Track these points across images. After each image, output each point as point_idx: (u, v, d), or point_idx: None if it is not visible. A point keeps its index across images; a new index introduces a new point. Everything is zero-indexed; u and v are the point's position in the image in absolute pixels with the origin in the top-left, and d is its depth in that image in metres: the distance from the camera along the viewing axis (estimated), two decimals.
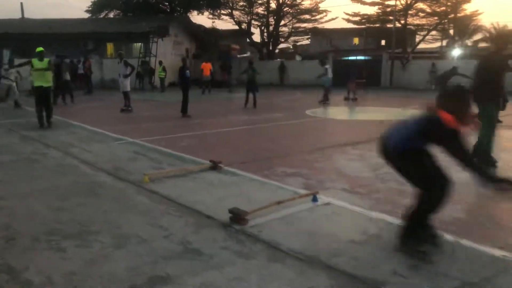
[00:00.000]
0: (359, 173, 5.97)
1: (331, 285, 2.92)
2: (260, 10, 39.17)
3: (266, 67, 32.02)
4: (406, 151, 3.29)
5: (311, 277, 3.02)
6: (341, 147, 7.91)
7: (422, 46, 38.75)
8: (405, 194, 5.00)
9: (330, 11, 64.64)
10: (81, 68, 22.80)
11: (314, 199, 4.62)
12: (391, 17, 33.91)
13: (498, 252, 3.40)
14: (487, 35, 41.89)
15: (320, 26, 39.60)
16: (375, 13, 37.19)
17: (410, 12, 34.88)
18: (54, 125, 10.32)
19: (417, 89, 26.11)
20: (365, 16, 38.02)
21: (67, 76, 16.78)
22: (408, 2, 34.10)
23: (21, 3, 36.91)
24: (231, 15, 38.15)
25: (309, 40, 45.33)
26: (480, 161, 6.00)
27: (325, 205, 4.54)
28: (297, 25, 39.99)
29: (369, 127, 11.02)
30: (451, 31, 36.52)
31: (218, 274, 3.06)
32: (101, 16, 36.01)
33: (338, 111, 15.55)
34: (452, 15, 34.17)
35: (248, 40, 41.02)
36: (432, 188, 3.28)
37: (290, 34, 41.01)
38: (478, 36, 43.00)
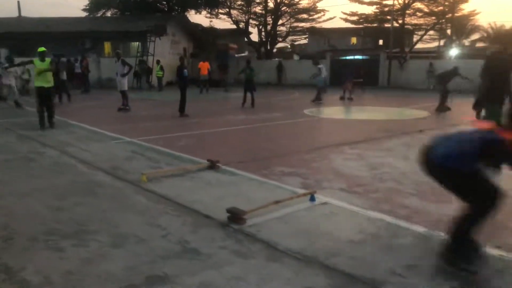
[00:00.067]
0: (357, 173, 5.97)
1: (329, 285, 2.92)
2: (258, 9, 39.17)
3: (264, 67, 32.05)
4: (457, 169, 3.01)
5: (309, 277, 3.02)
6: (339, 146, 7.92)
7: (419, 45, 38.80)
8: (403, 193, 5.03)
9: (328, 11, 64.55)
10: (78, 67, 22.74)
11: (312, 199, 4.62)
12: (388, 17, 33.92)
13: (496, 252, 3.41)
14: (485, 35, 42.06)
15: (318, 25, 39.60)
16: (373, 13, 37.18)
17: (407, 11, 34.90)
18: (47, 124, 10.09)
19: (414, 89, 26.19)
20: (363, 16, 38.01)
21: (64, 76, 16.72)
22: (406, 1, 34.11)
23: (18, 2, 36.83)
24: (229, 14, 38.11)
25: (307, 39, 45.34)
26: None
27: (323, 205, 4.55)
28: (295, 24, 39.99)
29: (367, 126, 11.04)
30: (449, 31, 36.56)
31: (216, 274, 3.05)
32: (99, 15, 35.92)
33: (336, 111, 15.56)
34: (450, 15, 34.18)
35: (246, 39, 41.00)
36: (485, 202, 3.04)
37: (288, 34, 41.01)
38: (475, 36, 43.22)
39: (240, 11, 38.80)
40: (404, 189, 5.20)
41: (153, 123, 11.45)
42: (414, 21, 36.44)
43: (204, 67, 22.99)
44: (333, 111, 15.48)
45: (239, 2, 38.17)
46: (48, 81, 9.79)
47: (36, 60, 9.75)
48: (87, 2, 35.75)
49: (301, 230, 3.87)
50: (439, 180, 3.22)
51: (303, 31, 41.30)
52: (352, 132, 10.15)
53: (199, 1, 35.53)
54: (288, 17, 39.24)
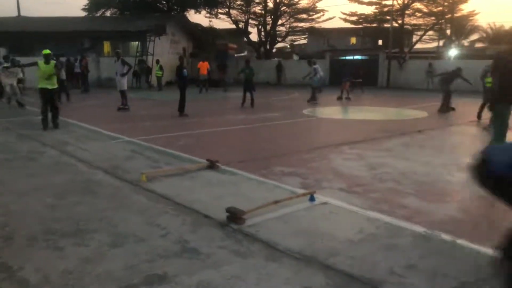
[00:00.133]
0: (357, 173, 5.98)
1: (328, 285, 2.92)
2: (258, 9, 39.11)
3: (264, 67, 32.03)
4: None
5: (308, 277, 3.03)
6: (339, 146, 7.92)
7: (419, 46, 38.77)
8: (402, 193, 5.03)
9: (327, 11, 64.55)
10: (78, 66, 22.71)
11: (312, 199, 4.62)
12: (388, 17, 33.90)
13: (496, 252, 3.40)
14: (484, 35, 42.11)
15: (317, 25, 39.55)
16: (372, 13, 37.14)
17: (407, 12, 34.87)
18: (51, 124, 10.07)
19: (414, 89, 26.20)
20: (362, 16, 37.97)
21: (63, 75, 16.69)
22: (405, 2, 34.10)
23: (17, 1, 36.75)
24: (228, 14, 38.06)
25: (306, 39, 45.31)
26: None
27: (322, 205, 4.55)
28: (295, 24, 39.95)
29: (366, 126, 11.05)
30: (448, 31, 36.60)
31: (215, 273, 3.05)
32: (98, 14, 35.85)
33: (335, 111, 15.56)
34: (449, 15, 34.21)
35: (245, 39, 40.98)
36: None
37: (287, 34, 40.97)
38: (474, 36, 43.28)
39: (240, 11, 38.77)
40: (404, 189, 5.20)
41: (152, 122, 11.45)
42: (414, 21, 36.42)
43: (204, 67, 22.98)
44: (332, 111, 15.48)
45: (238, 2, 38.13)
46: (52, 83, 9.65)
47: (41, 62, 9.57)
48: (87, 2, 35.69)
49: (300, 230, 3.87)
50: (502, 193, 2.85)
51: (302, 31, 41.27)
52: (351, 132, 10.15)
53: (198, 1, 35.47)
54: (288, 17, 39.21)
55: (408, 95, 22.37)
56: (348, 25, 39.87)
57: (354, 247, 3.51)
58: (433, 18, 35.24)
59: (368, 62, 29.87)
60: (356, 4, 36.25)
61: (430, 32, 37.47)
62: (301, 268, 3.14)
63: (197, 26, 34.61)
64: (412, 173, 5.98)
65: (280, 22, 39.17)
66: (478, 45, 41.97)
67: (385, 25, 34.73)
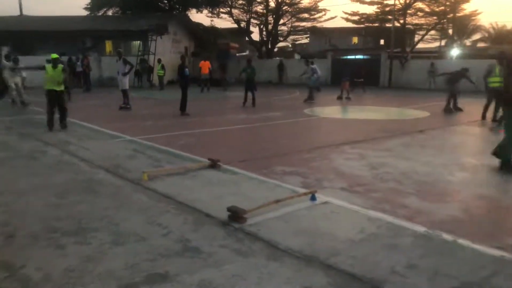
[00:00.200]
0: (358, 172, 5.97)
1: (329, 284, 2.92)
2: (259, 8, 39.13)
3: (265, 66, 32.02)
4: None
5: (309, 276, 3.03)
6: (340, 146, 7.92)
7: (421, 45, 38.80)
8: (403, 193, 5.03)
9: (329, 10, 64.70)
10: (79, 65, 22.75)
11: (313, 198, 4.63)
12: (390, 17, 33.88)
13: (496, 252, 3.41)
14: (486, 35, 42.03)
15: (319, 25, 39.58)
16: (374, 13, 37.16)
17: (409, 11, 34.88)
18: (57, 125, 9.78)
19: (416, 89, 26.17)
20: (364, 16, 37.98)
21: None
22: (407, 1, 34.09)
23: (20, 0, 36.75)
24: (230, 14, 38.08)
25: (308, 39, 45.30)
26: (502, 166, 6.03)
27: (323, 204, 4.55)
28: (296, 24, 39.97)
29: (368, 126, 11.04)
30: (450, 31, 36.53)
31: (216, 272, 3.06)
32: (100, 13, 35.86)
33: (336, 111, 15.55)
34: (451, 15, 34.16)
35: (247, 38, 40.99)
36: None
37: (289, 33, 40.99)
38: (477, 36, 43.21)
39: (242, 10, 38.80)
40: (405, 189, 5.20)
41: (154, 121, 11.45)
42: (416, 21, 36.43)
43: (205, 66, 22.98)
44: (333, 110, 15.47)
45: (240, 2, 38.15)
46: (59, 86, 9.54)
47: (49, 66, 9.44)
48: (88, 1, 35.71)
49: (301, 229, 3.87)
50: None
51: (304, 30, 41.29)
52: (352, 131, 10.15)
53: (200, 0, 35.48)
54: (289, 17, 39.22)
55: (410, 95, 22.34)
56: (350, 24, 39.93)
57: (355, 247, 3.52)
58: (435, 17, 35.23)
59: (370, 61, 29.83)
60: (358, 3, 36.29)
61: (432, 32, 37.48)
62: (302, 268, 3.15)
63: (199, 25, 34.62)
64: (413, 173, 5.97)
65: (282, 21, 39.20)
66: (480, 45, 41.90)
67: (387, 25, 34.72)
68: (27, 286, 2.89)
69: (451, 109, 13.69)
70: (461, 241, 3.61)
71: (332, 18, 48.25)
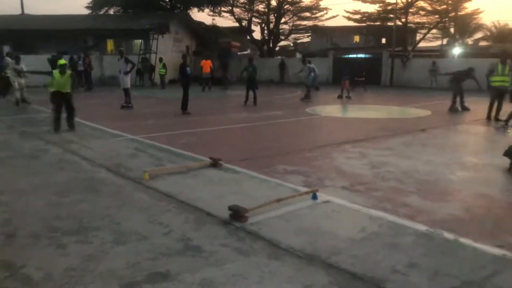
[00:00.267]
0: (359, 171, 5.97)
1: (330, 283, 2.92)
2: (261, 7, 39.14)
3: (267, 65, 32.01)
4: None
5: (310, 275, 3.03)
6: (341, 145, 7.91)
7: (422, 44, 38.74)
8: (405, 192, 5.02)
9: (331, 9, 64.66)
10: (81, 64, 22.78)
11: (314, 197, 4.63)
12: (391, 15, 33.85)
13: (497, 251, 3.40)
14: (488, 33, 41.92)
15: (320, 24, 39.55)
16: (376, 11, 37.12)
17: (410, 10, 34.82)
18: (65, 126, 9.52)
19: (417, 87, 26.13)
20: (365, 14, 37.95)
21: None
22: (409, 0, 34.03)
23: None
24: (231, 12, 38.09)
25: (310, 37, 45.28)
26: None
27: (325, 203, 4.55)
28: (298, 22, 39.95)
29: (369, 125, 11.03)
30: (452, 30, 36.48)
31: (218, 271, 3.06)
32: (101, 12, 35.92)
33: (337, 109, 15.54)
34: (453, 14, 34.11)
35: (248, 37, 40.96)
36: None
37: (290, 32, 40.97)
38: (478, 35, 43.11)
39: (243, 9, 38.81)
40: (406, 188, 5.20)
41: (155, 120, 11.46)
42: (417, 19, 36.38)
43: (207, 65, 22.97)
44: (335, 109, 15.46)
45: (242, 0, 38.16)
46: (65, 88, 9.33)
47: (56, 72, 9.23)
48: (90, 0, 35.76)
49: (303, 228, 3.87)
50: None
51: (305, 29, 41.25)
52: (354, 130, 10.14)
53: None
54: (291, 15, 39.21)
55: (411, 93, 22.30)
56: (351, 23, 39.91)
57: (356, 246, 3.51)
58: (437, 16, 35.18)
59: (372, 60, 29.81)
60: (360, 2, 36.32)
61: (434, 31, 37.43)
62: (303, 267, 3.15)
63: (200, 24, 34.63)
64: (415, 172, 5.96)
65: (283, 20, 39.19)
66: (482, 43, 41.80)
67: (389, 24, 34.71)
68: (28, 285, 2.89)
69: (457, 109, 13.55)
70: (462, 240, 3.61)
71: (333, 17, 48.35)
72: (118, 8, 36.21)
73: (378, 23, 37.76)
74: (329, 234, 3.75)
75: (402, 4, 34.06)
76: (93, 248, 3.44)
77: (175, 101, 13.87)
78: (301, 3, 38.23)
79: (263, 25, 39.40)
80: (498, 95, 11.31)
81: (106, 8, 36.02)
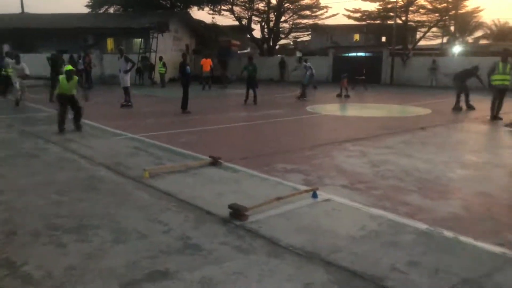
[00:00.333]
0: (359, 170, 5.97)
1: (330, 281, 2.92)
2: (261, 6, 39.10)
3: (267, 63, 31.97)
4: None
5: (310, 273, 3.03)
6: (341, 143, 7.91)
7: (422, 42, 38.69)
8: (405, 191, 5.02)
9: (331, 7, 64.75)
10: (81, 63, 22.75)
11: (314, 195, 4.63)
12: (392, 14, 33.81)
13: (497, 249, 3.40)
14: (488, 32, 41.89)
15: (320, 22, 39.51)
16: (376, 10, 37.07)
17: (411, 8, 34.77)
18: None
19: (417, 86, 26.11)
20: (365, 13, 37.89)
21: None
22: None
23: None
24: (231, 11, 38.04)
25: (310, 36, 45.26)
26: None
27: (325, 202, 4.55)
28: (298, 21, 39.91)
29: (369, 124, 11.03)
30: (452, 28, 36.44)
31: (217, 269, 3.06)
32: (101, 11, 35.88)
33: (337, 108, 15.54)
34: (453, 12, 34.06)
35: (248, 36, 40.93)
36: None
37: (290, 30, 40.94)
38: (479, 33, 43.10)
39: (243, 7, 38.75)
40: (406, 186, 5.19)
41: (155, 119, 11.46)
42: (417, 18, 36.33)
43: (207, 63, 22.95)
44: (335, 108, 15.46)
45: None
46: (71, 92, 9.18)
47: (63, 79, 9.06)
48: None
49: (303, 226, 3.87)
50: None
51: (306, 27, 41.22)
52: (354, 129, 10.14)
53: None
54: (291, 14, 39.17)
55: (411, 92, 22.29)
56: (351, 21, 39.86)
57: (356, 244, 3.51)
58: (437, 14, 35.13)
59: (372, 59, 29.79)
60: (360, 0, 36.36)
61: (434, 29, 37.38)
62: (303, 265, 3.15)
63: (200, 23, 34.58)
64: (415, 170, 5.96)
65: (283, 18, 39.16)
66: (482, 42, 41.80)
67: (389, 22, 34.67)
68: (28, 284, 2.89)
69: (461, 108, 13.40)
70: (462, 238, 3.61)
71: (333, 15, 48.40)
72: (118, 6, 36.17)
73: (378, 22, 37.71)
74: (329, 232, 3.75)
75: (402, 3, 34.01)
76: (93, 246, 3.45)
77: (175, 100, 13.87)
78: (301, 2, 38.21)
79: (263, 23, 39.38)
80: (499, 93, 11.29)
81: (106, 6, 35.99)
